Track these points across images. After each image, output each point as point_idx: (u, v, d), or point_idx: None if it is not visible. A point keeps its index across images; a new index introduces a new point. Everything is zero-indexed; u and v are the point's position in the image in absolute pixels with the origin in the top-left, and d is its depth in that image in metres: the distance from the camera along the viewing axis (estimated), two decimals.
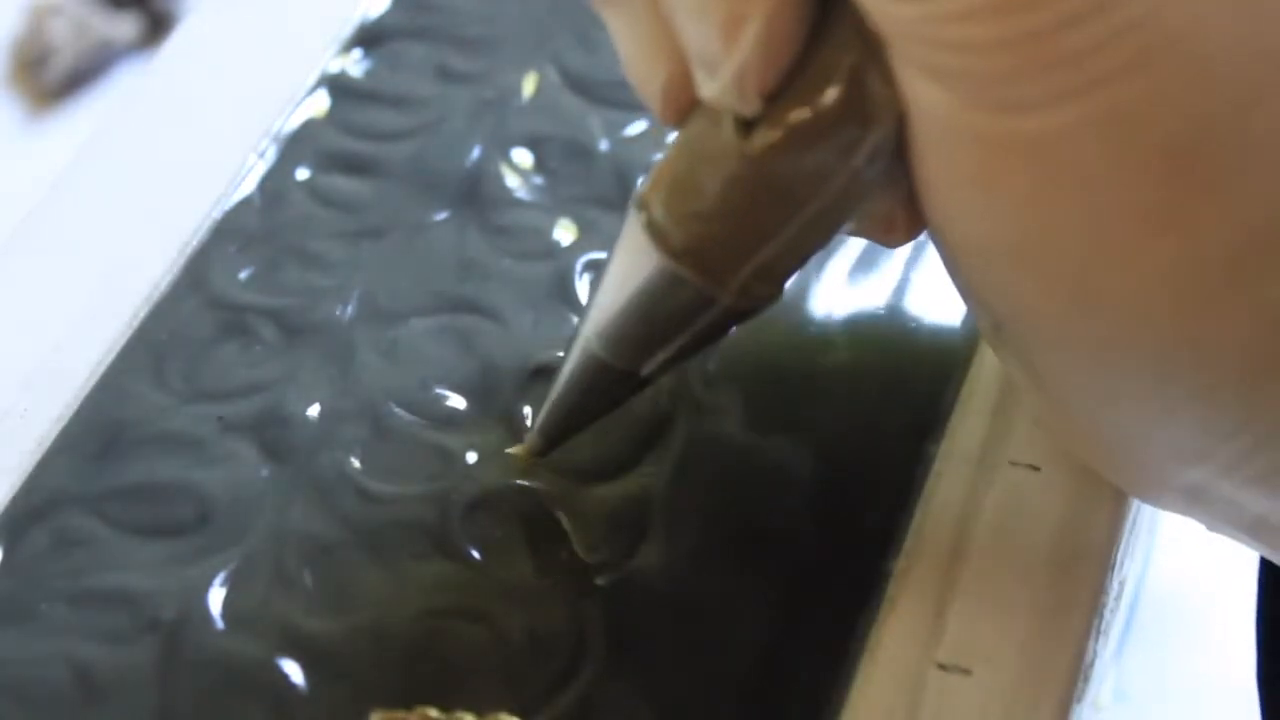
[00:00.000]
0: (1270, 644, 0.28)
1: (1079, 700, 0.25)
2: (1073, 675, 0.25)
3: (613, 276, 0.24)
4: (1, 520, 0.27)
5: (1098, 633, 0.26)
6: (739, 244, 0.22)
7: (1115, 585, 0.26)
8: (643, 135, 0.31)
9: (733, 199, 0.22)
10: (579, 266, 0.30)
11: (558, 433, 0.26)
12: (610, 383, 0.25)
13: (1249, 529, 0.23)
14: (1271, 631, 0.28)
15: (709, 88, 0.21)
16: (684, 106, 0.22)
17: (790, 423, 0.27)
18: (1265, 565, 0.28)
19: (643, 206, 0.23)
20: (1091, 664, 0.26)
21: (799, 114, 0.21)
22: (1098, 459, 0.24)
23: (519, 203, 0.31)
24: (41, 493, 0.27)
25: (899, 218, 0.23)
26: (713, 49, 0.21)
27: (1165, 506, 0.24)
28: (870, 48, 0.20)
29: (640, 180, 0.23)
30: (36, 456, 0.28)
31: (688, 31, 0.21)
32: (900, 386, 0.28)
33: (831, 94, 0.20)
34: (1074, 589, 0.25)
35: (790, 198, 0.22)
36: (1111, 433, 0.22)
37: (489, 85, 0.33)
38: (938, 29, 0.18)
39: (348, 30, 0.34)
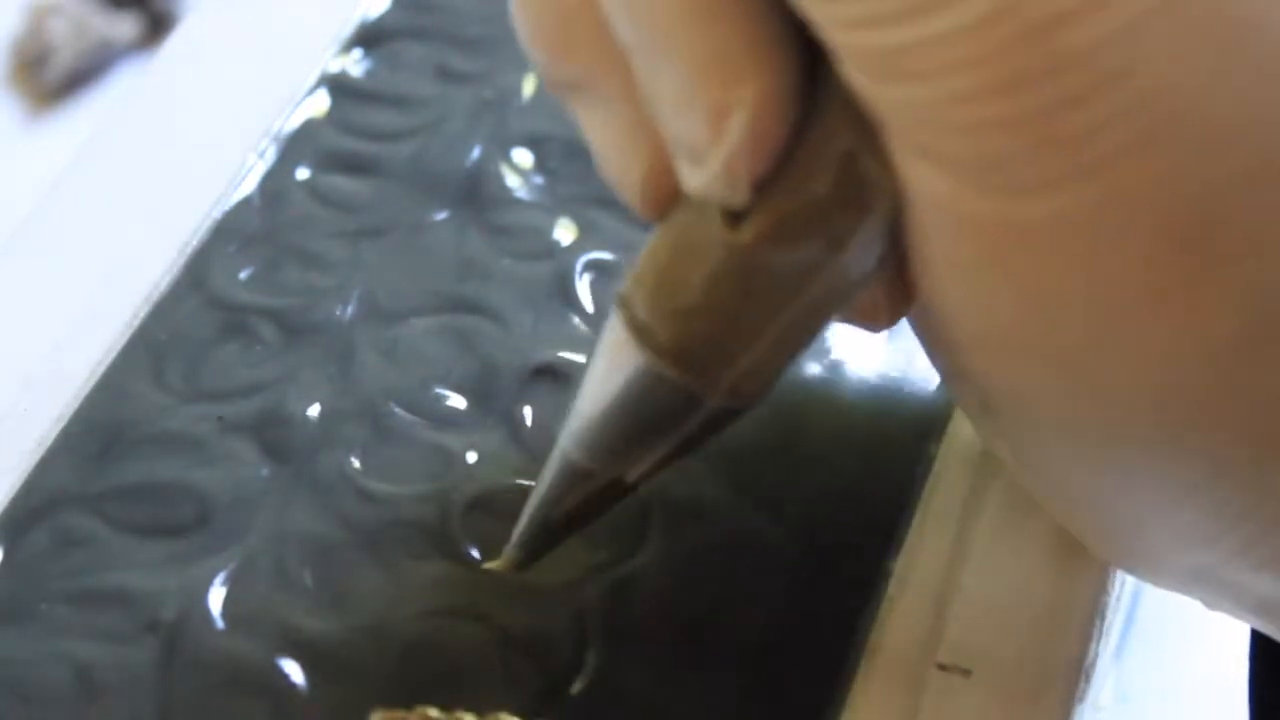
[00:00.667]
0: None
1: (1079, 700, 0.25)
2: (1073, 675, 0.25)
3: (593, 379, 0.22)
4: (1, 520, 0.27)
5: (1098, 633, 0.26)
6: (729, 341, 0.21)
7: (1116, 585, 0.26)
8: None
9: (721, 294, 0.21)
10: (579, 266, 0.30)
11: (539, 545, 0.24)
12: (594, 492, 0.23)
13: (1254, 610, 0.22)
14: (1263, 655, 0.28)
15: (695, 179, 0.20)
16: (665, 199, 0.21)
17: (790, 423, 0.27)
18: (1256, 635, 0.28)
19: (625, 304, 0.22)
20: (1092, 664, 0.26)
21: (790, 203, 0.20)
22: (1090, 540, 0.23)
23: (519, 203, 0.31)
24: (41, 493, 0.27)
25: (882, 303, 0.22)
26: (698, 139, 0.20)
27: (1162, 586, 0.23)
28: (864, 130, 0.19)
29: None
30: (36, 456, 0.28)
31: (670, 122, 0.20)
32: (900, 388, 0.28)
33: (823, 181, 0.20)
34: (1074, 589, 0.25)
35: (782, 290, 0.20)
36: (1107, 518, 0.22)
37: (489, 85, 0.33)
38: (934, 112, 0.18)
39: (348, 30, 0.34)
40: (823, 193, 0.20)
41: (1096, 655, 0.26)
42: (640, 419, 0.22)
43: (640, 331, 0.21)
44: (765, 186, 0.20)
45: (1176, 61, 0.17)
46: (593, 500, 0.23)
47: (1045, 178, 0.17)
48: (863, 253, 0.20)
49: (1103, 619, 0.26)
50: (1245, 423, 0.19)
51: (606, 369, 0.22)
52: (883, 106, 0.18)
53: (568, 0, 0.21)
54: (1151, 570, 0.23)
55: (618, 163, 0.22)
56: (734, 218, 0.20)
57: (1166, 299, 0.18)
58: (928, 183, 0.19)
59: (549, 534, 0.24)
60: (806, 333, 0.21)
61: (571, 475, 0.23)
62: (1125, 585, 0.27)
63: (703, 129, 0.19)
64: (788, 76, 0.19)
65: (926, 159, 0.18)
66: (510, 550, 0.24)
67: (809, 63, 0.19)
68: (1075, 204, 0.18)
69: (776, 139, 0.19)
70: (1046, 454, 0.21)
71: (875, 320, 0.23)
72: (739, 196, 0.20)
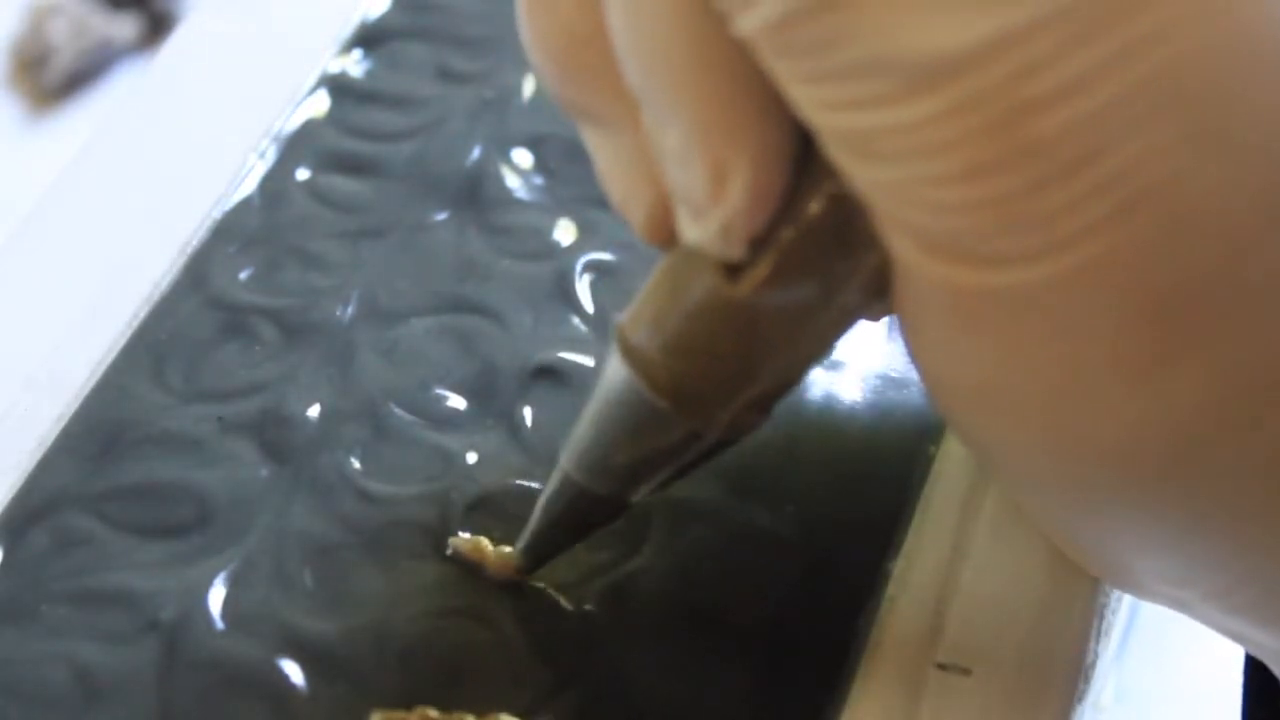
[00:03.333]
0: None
1: (1080, 700, 0.25)
2: (1073, 675, 0.25)
3: (595, 407, 0.23)
4: (1, 520, 0.27)
5: (1098, 633, 0.26)
6: (727, 382, 0.22)
7: None
8: None
9: (720, 341, 0.21)
10: (579, 266, 0.30)
11: (542, 553, 0.25)
12: (594, 507, 0.24)
13: (1233, 638, 0.22)
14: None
15: (693, 233, 0.20)
16: (670, 231, 0.21)
17: (790, 423, 0.27)
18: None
19: (625, 339, 0.22)
20: (1092, 664, 0.26)
21: (786, 233, 0.20)
22: (1079, 561, 0.24)
23: (519, 203, 0.31)
24: (41, 493, 0.27)
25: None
26: (699, 197, 0.20)
27: (1149, 602, 0.24)
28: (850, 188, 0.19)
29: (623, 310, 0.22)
30: (36, 456, 0.28)
31: (673, 173, 0.20)
32: (900, 388, 0.28)
33: (814, 207, 0.20)
34: (1074, 589, 0.25)
35: (778, 333, 0.21)
36: (1094, 552, 0.22)
37: (489, 85, 0.33)
38: (908, 190, 0.18)
39: (348, 30, 0.34)
40: (814, 217, 0.20)
41: (1096, 655, 0.26)
42: (639, 449, 0.23)
43: (639, 367, 0.22)
44: (761, 239, 0.20)
45: (1144, 145, 0.17)
46: (593, 514, 0.24)
47: (1021, 251, 0.18)
48: (856, 290, 0.20)
49: (1102, 619, 0.26)
50: (1221, 484, 0.19)
51: (607, 398, 0.23)
52: (858, 181, 0.19)
53: (579, 28, 0.21)
54: (1135, 594, 0.23)
55: (623, 189, 0.22)
56: (731, 268, 0.20)
57: (1135, 369, 0.18)
58: (904, 249, 0.19)
59: (551, 543, 0.25)
60: (803, 367, 0.22)
61: (572, 492, 0.24)
62: None
63: (703, 186, 0.20)
64: (786, 134, 0.19)
65: (900, 230, 0.19)
66: (514, 556, 0.25)
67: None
68: (1047, 276, 0.18)
69: (774, 199, 0.20)
70: (1025, 495, 0.22)
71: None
72: (735, 253, 0.20)
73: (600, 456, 0.23)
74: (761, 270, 0.20)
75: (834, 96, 0.18)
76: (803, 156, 0.20)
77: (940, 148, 0.17)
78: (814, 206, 0.20)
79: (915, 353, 0.21)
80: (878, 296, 0.20)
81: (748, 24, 0.18)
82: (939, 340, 0.20)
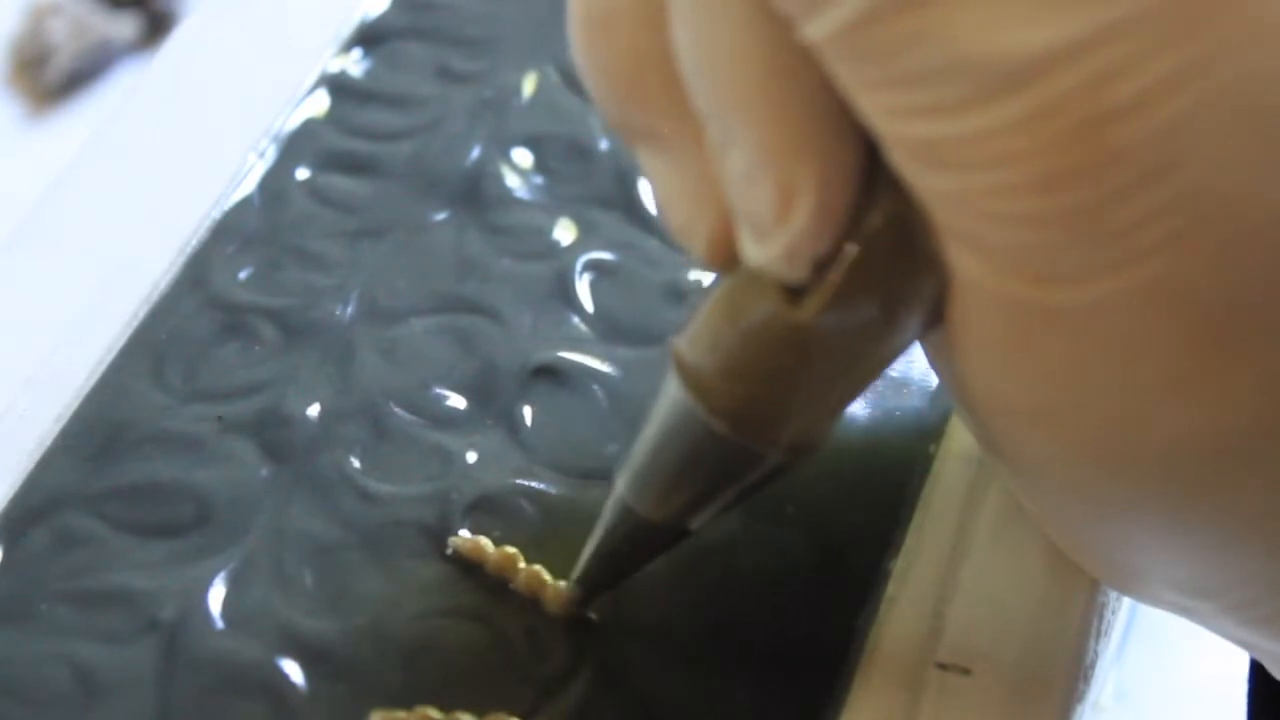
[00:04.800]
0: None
1: (1080, 701, 0.25)
2: (1073, 675, 0.25)
3: (652, 433, 0.23)
4: (1, 520, 0.27)
5: (1098, 633, 0.26)
6: (785, 405, 0.21)
7: None
8: None
9: (779, 365, 0.21)
10: (579, 266, 0.30)
11: (600, 585, 0.25)
12: (654, 537, 0.24)
13: (1246, 646, 0.23)
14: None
15: (756, 255, 0.20)
16: (733, 256, 0.21)
17: None
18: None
19: (682, 362, 0.22)
20: (1092, 664, 0.26)
21: (848, 254, 0.20)
22: (1082, 565, 0.24)
23: (519, 203, 0.31)
24: (41, 493, 0.27)
25: None
26: (764, 218, 0.20)
27: (1150, 606, 0.24)
28: (913, 202, 0.19)
29: (679, 331, 0.22)
30: (36, 456, 0.27)
31: (737, 193, 0.20)
32: (900, 388, 0.28)
33: (876, 227, 0.19)
34: (1074, 589, 0.25)
35: (838, 357, 0.21)
36: (1110, 559, 0.22)
37: (489, 85, 0.33)
38: (974, 201, 0.18)
39: (348, 30, 0.34)
40: (877, 259, 0.20)
41: (1096, 655, 0.26)
42: (698, 474, 0.22)
43: (697, 391, 0.21)
44: (823, 261, 0.20)
45: (1219, 157, 0.17)
46: (653, 543, 0.24)
47: (1084, 268, 0.17)
48: (915, 313, 0.20)
49: (1102, 619, 0.26)
50: (1258, 498, 0.19)
51: (664, 423, 0.22)
52: (923, 192, 0.18)
53: (642, 49, 0.21)
54: (1141, 600, 0.23)
55: (683, 214, 0.22)
56: (793, 291, 0.20)
57: (1192, 385, 0.18)
58: (964, 264, 0.19)
59: (610, 573, 0.24)
60: (858, 390, 0.22)
61: (631, 521, 0.23)
62: None
63: (769, 207, 0.19)
64: (852, 152, 0.19)
65: (964, 243, 0.18)
66: (569, 587, 0.25)
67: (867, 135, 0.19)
68: (1110, 294, 0.18)
69: (840, 219, 0.19)
70: (1056, 508, 0.22)
71: None
72: (799, 275, 0.20)
73: (659, 483, 0.23)
74: (824, 293, 0.20)
75: (904, 103, 0.17)
76: (866, 175, 0.19)
77: (1014, 156, 0.17)
78: (876, 226, 0.20)
79: (963, 373, 0.20)
80: (933, 320, 0.20)
81: (816, 29, 0.18)
82: (993, 360, 0.19)
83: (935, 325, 0.20)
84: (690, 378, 0.22)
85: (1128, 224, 0.17)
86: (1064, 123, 0.17)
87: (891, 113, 0.18)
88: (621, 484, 0.23)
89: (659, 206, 0.22)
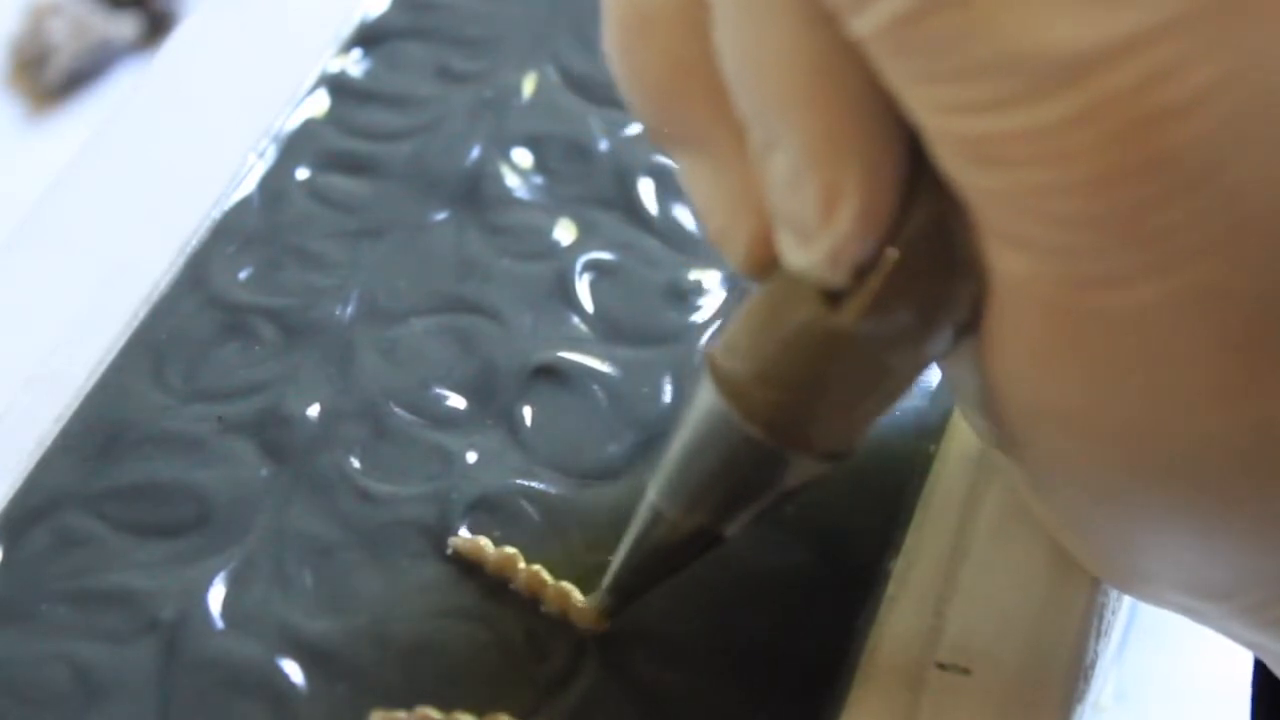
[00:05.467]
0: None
1: (1079, 701, 0.25)
2: (1073, 675, 0.25)
3: (685, 438, 0.22)
4: (1, 520, 0.27)
5: (1098, 633, 0.26)
6: (821, 411, 0.21)
7: None
8: (643, 135, 0.31)
9: (817, 370, 0.21)
10: (579, 266, 0.30)
11: (631, 594, 0.24)
12: (688, 544, 0.23)
13: (1252, 647, 0.22)
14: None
15: (798, 259, 0.20)
16: (771, 262, 0.21)
17: None
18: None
19: (716, 367, 0.22)
20: (1092, 664, 0.26)
21: (889, 258, 0.19)
22: (1089, 565, 0.24)
23: (519, 203, 0.31)
24: (41, 493, 0.27)
25: None
26: (808, 221, 0.19)
27: (1151, 604, 0.24)
28: (953, 202, 0.19)
29: (709, 335, 0.22)
30: (36, 456, 0.28)
31: (780, 197, 0.20)
32: None
33: (917, 232, 0.19)
34: (1074, 589, 0.25)
35: (876, 364, 0.21)
36: (1118, 561, 0.22)
37: (489, 85, 0.33)
38: (1021, 200, 0.17)
39: (348, 30, 0.34)
40: (918, 263, 0.20)
41: (1096, 655, 0.26)
42: (732, 480, 0.22)
43: (732, 396, 0.21)
44: (864, 266, 0.20)
45: (1262, 160, 0.16)
46: (687, 550, 0.23)
47: (1128, 270, 0.17)
48: (953, 318, 0.20)
49: (1102, 619, 0.26)
50: None
51: (697, 428, 0.22)
52: (969, 190, 0.18)
53: (681, 51, 0.20)
54: (1143, 599, 0.23)
55: (721, 220, 0.21)
56: (832, 296, 0.20)
57: (1231, 390, 0.18)
58: (1007, 265, 0.19)
59: (641, 581, 0.24)
60: (895, 396, 0.22)
61: (664, 527, 0.23)
62: None
63: (813, 210, 0.19)
64: (896, 156, 0.19)
65: (1008, 243, 0.18)
66: (600, 596, 0.25)
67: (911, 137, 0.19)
68: (1152, 297, 0.17)
69: (883, 223, 0.19)
70: (1071, 509, 0.21)
71: None
72: (840, 279, 0.20)
73: (692, 489, 0.23)
74: (864, 297, 0.20)
75: (953, 98, 0.17)
76: (908, 179, 0.19)
77: (1066, 154, 0.17)
78: (916, 230, 0.19)
79: (997, 376, 0.20)
80: (969, 327, 0.20)
81: (865, 24, 0.17)
82: (1031, 363, 0.19)
83: (970, 333, 0.20)
84: (725, 384, 0.21)
85: (1173, 227, 0.17)
86: (1115, 121, 0.16)
87: (940, 108, 0.18)
88: (653, 491, 0.23)
89: (697, 212, 0.22)
